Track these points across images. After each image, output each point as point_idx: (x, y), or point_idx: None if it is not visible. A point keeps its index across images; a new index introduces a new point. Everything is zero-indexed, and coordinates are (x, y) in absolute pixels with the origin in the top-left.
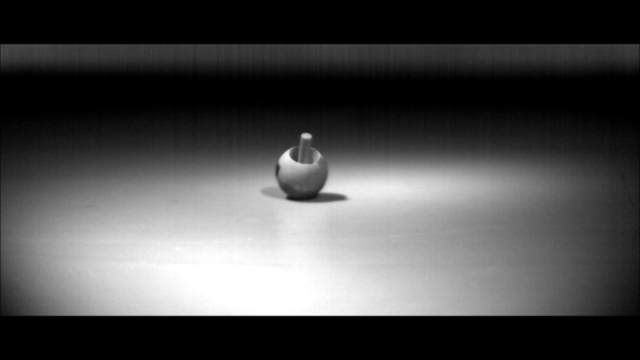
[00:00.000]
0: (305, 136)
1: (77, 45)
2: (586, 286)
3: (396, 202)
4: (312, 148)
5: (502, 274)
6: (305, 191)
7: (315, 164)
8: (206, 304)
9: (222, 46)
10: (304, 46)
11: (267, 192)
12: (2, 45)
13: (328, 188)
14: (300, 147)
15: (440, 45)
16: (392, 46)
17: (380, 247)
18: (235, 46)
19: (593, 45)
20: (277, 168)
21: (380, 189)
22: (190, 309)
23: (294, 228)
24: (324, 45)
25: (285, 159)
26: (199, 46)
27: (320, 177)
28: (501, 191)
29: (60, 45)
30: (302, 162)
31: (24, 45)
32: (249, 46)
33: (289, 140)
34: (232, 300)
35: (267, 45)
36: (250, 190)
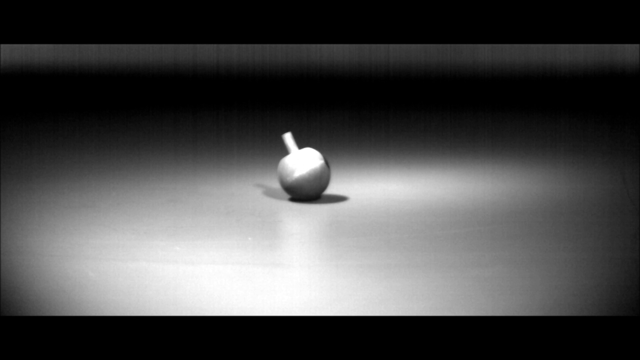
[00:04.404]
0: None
1: (77, 45)
2: (586, 286)
3: (396, 202)
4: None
5: (502, 274)
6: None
7: (321, 166)
8: (206, 304)
9: (222, 46)
10: (304, 46)
11: (267, 192)
12: (2, 45)
13: (328, 188)
14: (288, 144)
15: (440, 45)
16: (392, 46)
17: (380, 247)
18: (235, 46)
19: (593, 45)
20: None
21: (380, 189)
22: (190, 309)
23: (294, 228)
24: (324, 45)
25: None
26: (199, 46)
27: (324, 181)
28: (501, 191)
29: (60, 45)
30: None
31: (24, 45)
32: (249, 46)
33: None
34: (232, 300)
35: (267, 45)
36: (250, 191)
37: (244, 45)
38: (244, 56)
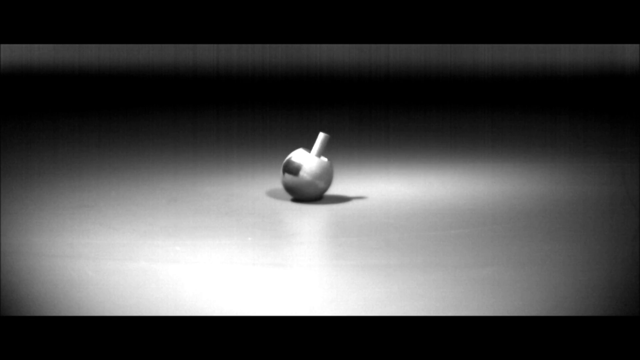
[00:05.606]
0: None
1: (77, 45)
2: (586, 286)
3: (396, 202)
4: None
5: (502, 274)
6: (322, 187)
7: (327, 162)
8: (206, 304)
9: (222, 46)
10: (304, 46)
11: (267, 192)
12: (2, 45)
13: (329, 189)
14: (322, 143)
15: (440, 45)
16: (392, 46)
17: (380, 247)
18: (235, 46)
19: (593, 45)
20: (294, 168)
21: (380, 189)
22: (190, 309)
23: (294, 228)
24: (324, 45)
25: (306, 155)
26: (199, 46)
27: (329, 176)
28: (501, 191)
29: (60, 45)
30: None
31: (24, 45)
32: (249, 46)
33: (289, 140)
34: (232, 300)
35: (267, 45)
36: (250, 191)
37: (244, 45)
38: (244, 56)
